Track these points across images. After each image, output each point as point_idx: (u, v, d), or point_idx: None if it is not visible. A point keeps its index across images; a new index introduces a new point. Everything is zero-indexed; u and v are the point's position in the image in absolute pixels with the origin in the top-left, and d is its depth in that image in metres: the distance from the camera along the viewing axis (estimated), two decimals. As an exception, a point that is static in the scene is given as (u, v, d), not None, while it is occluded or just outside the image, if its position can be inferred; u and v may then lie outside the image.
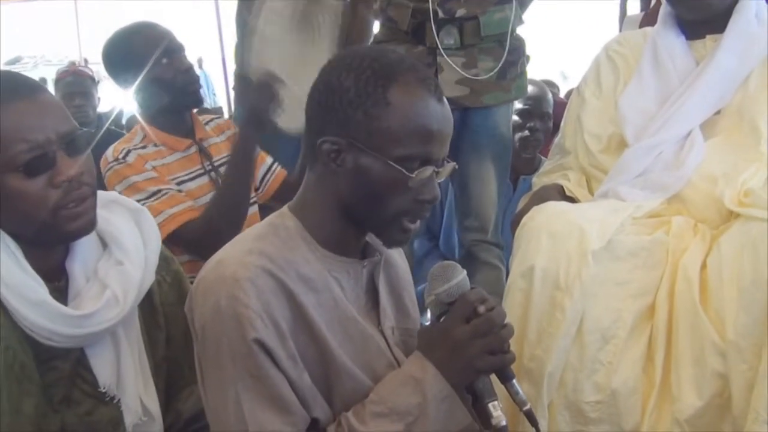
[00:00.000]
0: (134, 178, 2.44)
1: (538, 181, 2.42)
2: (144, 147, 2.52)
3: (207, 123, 2.72)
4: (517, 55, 3.05)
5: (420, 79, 1.45)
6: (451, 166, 1.51)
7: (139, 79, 2.51)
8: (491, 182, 3.07)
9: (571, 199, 2.22)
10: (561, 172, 2.37)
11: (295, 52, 3.02)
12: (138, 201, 2.29)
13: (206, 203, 2.49)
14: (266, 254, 1.43)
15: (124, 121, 5.35)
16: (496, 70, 2.96)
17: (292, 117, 2.58)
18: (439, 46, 2.91)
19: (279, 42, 3.00)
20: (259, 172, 2.74)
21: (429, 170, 1.45)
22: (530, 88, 3.50)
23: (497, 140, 3.07)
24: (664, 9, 2.32)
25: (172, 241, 2.33)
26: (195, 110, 2.70)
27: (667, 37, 2.29)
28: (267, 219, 1.56)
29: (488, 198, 3.08)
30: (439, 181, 1.50)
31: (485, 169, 3.06)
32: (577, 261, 1.92)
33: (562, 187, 2.26)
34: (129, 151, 2.48)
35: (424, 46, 2.95)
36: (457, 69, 2.93)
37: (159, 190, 2.43)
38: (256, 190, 2.73)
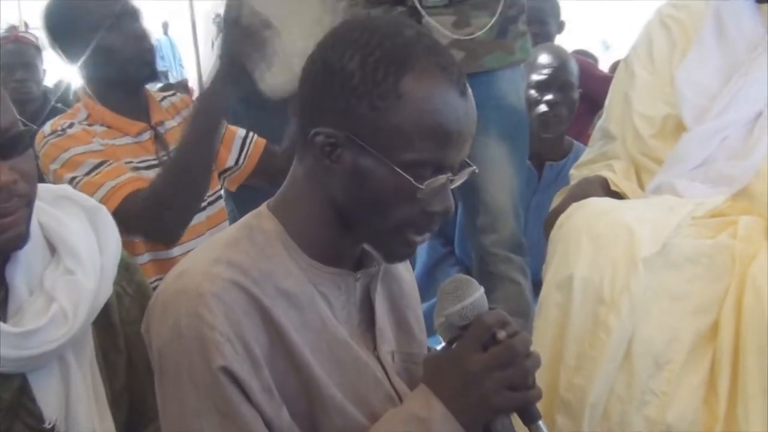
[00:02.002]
0: (74, 150, 2.43)
1: (578, 173, 2.43)
2: (90, 125, 2.52)
3: (161, 101, 2.72)
4: (517, 10, 3.02)
5: (441, 67, 1.43)
6: (468, 170, 1.50)
7: (83, 48, 2.51)
8: (503, 166, 3.01)
9: (617, 195, 2.22)
10: (605, 161, 2.38)
11: None
12: (75, 178, 2.32)
13: None
14: (237, 264, 1.42)
15: (72, 97, 5.35)
16: (491, 23, 2.90)
17: (276, 76, 2.57)
18: (421, 4, 2.86)
19: None
20: (233, 146, 2.74)
21: (442, 180, 1.44)
22: (545, 55, 3.47)
23: (506, 112, 3.01)
24: (730, -35, 2.32)
25: (117, 220, 2.31)
26: (157, 86, 2.70)
27: (732, 2, 2.29)
28: (242, 220, 1.55)
29: (501, 186, 3.01)
30: (453, 186, 1.48)
31: (493, 151, 2.98)
32: (625, 270, 1.92)
33: (606, 180, 2.26)
34: (72, 124, 2.49)
35: (404, 6, 2.89)
36: (446, 32, 2.90)
37: (103, 162, 2.43)
38: (232, 168, 2.74)
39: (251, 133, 2.79)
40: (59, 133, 2.46)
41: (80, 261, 1.64)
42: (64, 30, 2.54)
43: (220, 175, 2.74)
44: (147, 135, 2.60)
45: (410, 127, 1.40)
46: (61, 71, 4.98)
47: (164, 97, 2.76)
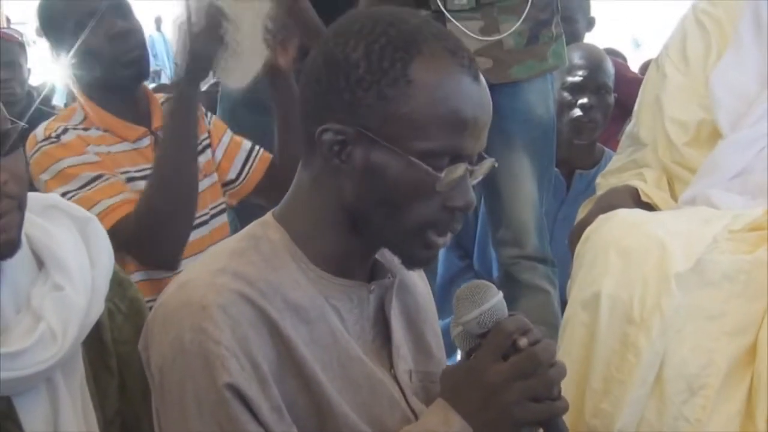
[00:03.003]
0: (67, 162, 2.44)
1: (605, 181, 2.42)
2: (86, 129, 2.53)
3: (163, 103, 2.72)
4: (549, 12, 3.04)
5: (450, 51, 1.45)
6: (489, 163, 1.51)
7: (69, 48, 2.53)
8: (527, 180, 3.06)
9: (648, 206, 2.22)
10: (635, 170, 2.37)
11: None
12: (68, 193, 2.33)
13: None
14: (243, 275, 1.43)
15: (63, 102, 5.35)
16: (517, 26, 2.93)
17: (234, 70, 2.59)
18: (445, 8, 2.88)
19: None
20: (237, 159, 2.75)
21: (461, 168, 1.45)
22: (580, 56, 3.47)
23: (532, 125, 3.06)
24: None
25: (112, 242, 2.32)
26: (149, 86, 2.71)
27: None
28: (246, 230, 1.56)
29: (524, 201, 3.07)
30: (473, 182, 1.49)
31: (517, 164, 3.05)
32: (657, 287, 1.92)
33: (636, 189, 2.26)
34: (67, 129, 2.50)
35: (428, 10, 2.92)
36: (474, 36, 2.92)
37: (99, 176, 2.44)
38: (233, 182, 2.74)
39: (257, 148, 2.79)
40: (53, 140, 2.47)
41: (70, 276, 1.64)
42: (51, 28, 2.56)
43: (222, 186, 2.75)
44: (147, 141, 2.60)
45: (423, 115, 1.42)
46: (46, 70, 4.97)
47: (167, 98, 2.73)
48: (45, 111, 4.03)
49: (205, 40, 2.51)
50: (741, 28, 2.30)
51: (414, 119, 1.42)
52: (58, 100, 5.91)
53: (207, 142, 2.71)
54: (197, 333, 1.37)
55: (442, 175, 1.43)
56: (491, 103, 1.49)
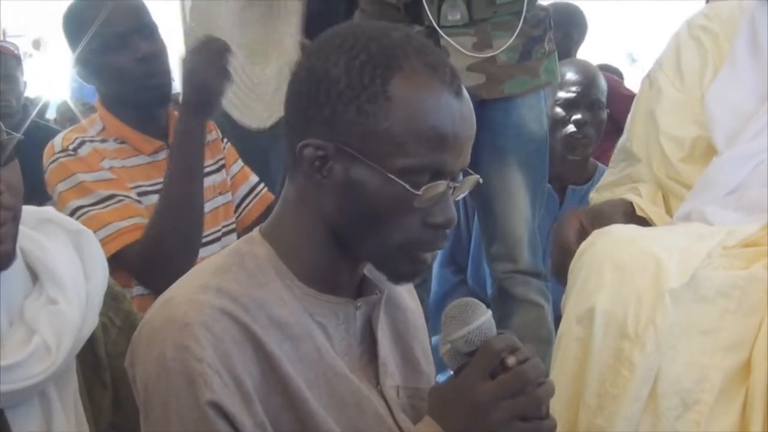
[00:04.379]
0: (83, 177, 2.47)
1: (598, 196, 2.42)
2: (103, 141, 2.55)
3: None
4: (542, 29, 3.05)
5: (431, 66, 1.45)
6: (473, 179, 1.51)
7: (95, 66, 2.57)
8: (520, 196, 3.07)
9: (643, 221, 2.22)
10: (629, 184, 2.37)
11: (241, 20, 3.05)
12: (82, 207, 2.35)
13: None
14: (227, 291, 1.43)
15: (55, 116, 5.35)
16: (511, 42, 2.94)
17: (247, 110, 2.59)
18: (438, 24, 2.89)
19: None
20: (240, 191, 2.77)
21: (441, 186, 1.45)
22: (573, 71, 3.48)
23: (526, 141, 3.07)
24: (765, -27, 2.31)
25: (115, 264, 2.34)
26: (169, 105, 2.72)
27: None
28: (232, 246, 1.56)
29: (517, 216, 3.07)
30: (456, 198, 1.49)
31: (511, 180, 3.05)
32: (651, 302, 1.92)
33: (631, 204, 2.26)
34: (84, 142, 2.52)
35: (421, 26, 2.92)
36: (467, 52, 2.92)
37: (113, 196, 2.46)
38: (234, 213, 2.75)
39: (262, 185, 2.82)
40: (70, 153, 2.49)
41: (64, 289, 1.64)
42: (74, 33, 2.57)
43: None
44: (163, 155, 2.62)
45: (402, 131, 1.41)
46: (41, 84, 4.97)
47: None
48: (43, 126, 4.03)
49: (206, 74, 2.52)
50: (737, 44, 2.30)
51: (393, 136, 1.42)
52: (49, 114, 5.91)
53: (222, 162, 2.74)
54: (180, 350, 1.37)
55: (421, 192, 1.42)
56: (474, 119, 1.49)
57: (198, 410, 1.36)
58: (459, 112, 1.45)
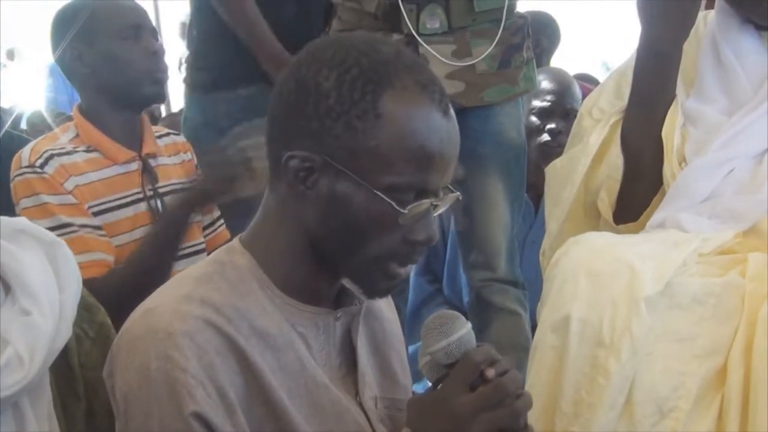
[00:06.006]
0: (46, 198, 2.46)
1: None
2: (71, 153, 2.54)
3: (160, 137, 2.75)
4: (521, 36, 3.06)
5: (421, 85, 1.45)
6: (453, 197, 1.52)
7: (97, 55, 2.57)
8: (499, 204, 3.08)
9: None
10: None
11: None
12: None
13: (126, 259, 2.51)
14: (210, 302, 1.43)
15: (24, 125, 5.33)
16: (490, 50, 2.95)
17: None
18: (417, 32, 2.89)
19: None
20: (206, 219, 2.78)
21: (425, 204, 1.46)
22: (548, 80, 3.50)
23: (504, 148, 3.08)
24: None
25: None
26: (157, 113, 2.75)
27: (729, 31, 2.29)
28: (212, 255, 1.57)
29: (495, 224, 3.08)
30: (436, 214, 1.50)
31: (490, 187, 3.06)
32: (626, 310, 1.92)
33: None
34: (51, 157, 2.50)
35: (400, 34, 2.93)
36: (446, 60, 2.93)
37: (68, 225, 2.45)
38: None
39: (221, 221, 2.82)
40: (36, 169, 2.48)
41: (37, 300, 1.62)
42: (83, 32, 2.58)
43: None
44: (135, 165, 2.63)
45: (390, 149, 1.42)
46: (15, 94, 4.95)
47: (167, 134, 2.80)
48: (17, 136, 4.01)
49: (222, 184, 2.56)
50: (702, 65, 2.30)
51: (381, 153, 1.42)
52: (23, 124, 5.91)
53: None
54: (163, 361, 1.37)
55: (406, 210, 1.43)
56: (459, 138, 1.50)
57: (181, 421, 1.36)
58: (446, 132, 1.46)
